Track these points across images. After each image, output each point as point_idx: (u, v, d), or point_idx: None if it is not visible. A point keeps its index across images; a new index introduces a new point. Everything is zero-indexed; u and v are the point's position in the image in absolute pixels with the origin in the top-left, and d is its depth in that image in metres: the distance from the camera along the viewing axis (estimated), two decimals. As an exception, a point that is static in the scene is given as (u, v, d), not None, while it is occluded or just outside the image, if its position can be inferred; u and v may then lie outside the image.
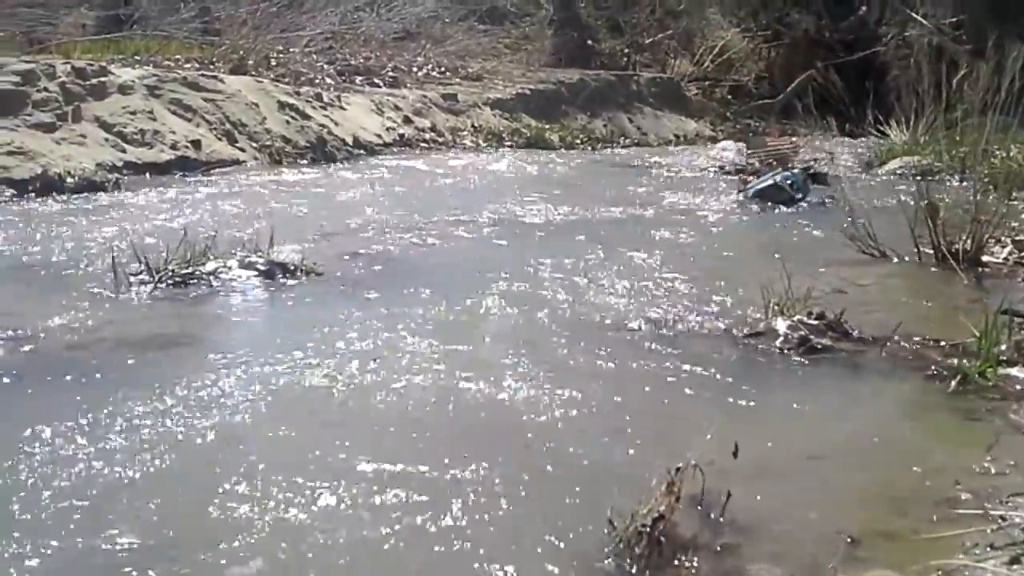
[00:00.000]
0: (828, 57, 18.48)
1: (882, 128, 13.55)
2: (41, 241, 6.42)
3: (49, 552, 2.59)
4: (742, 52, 20.25)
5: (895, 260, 6.43)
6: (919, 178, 10.04)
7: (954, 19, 15.22)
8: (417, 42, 17.68)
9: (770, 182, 8.41)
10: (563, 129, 15.49)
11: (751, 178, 8.87)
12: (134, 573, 2.50)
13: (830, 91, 17.28)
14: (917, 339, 4.52)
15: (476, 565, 2.57)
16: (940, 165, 11.18)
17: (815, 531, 2.77)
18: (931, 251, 6.36)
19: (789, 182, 8.38)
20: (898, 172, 11.42)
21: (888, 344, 4.42)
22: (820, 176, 8.91)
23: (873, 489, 3.12)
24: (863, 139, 14.32)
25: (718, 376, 4.06)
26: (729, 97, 19.81)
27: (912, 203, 6.64)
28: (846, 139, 15.19)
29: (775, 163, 9.09)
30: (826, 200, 8.48)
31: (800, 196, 8.35)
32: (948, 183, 9.98)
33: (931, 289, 5.91)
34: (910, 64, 14.84)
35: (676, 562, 2.57)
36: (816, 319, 4.48)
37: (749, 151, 9.24)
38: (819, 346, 4.32)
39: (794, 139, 9.51)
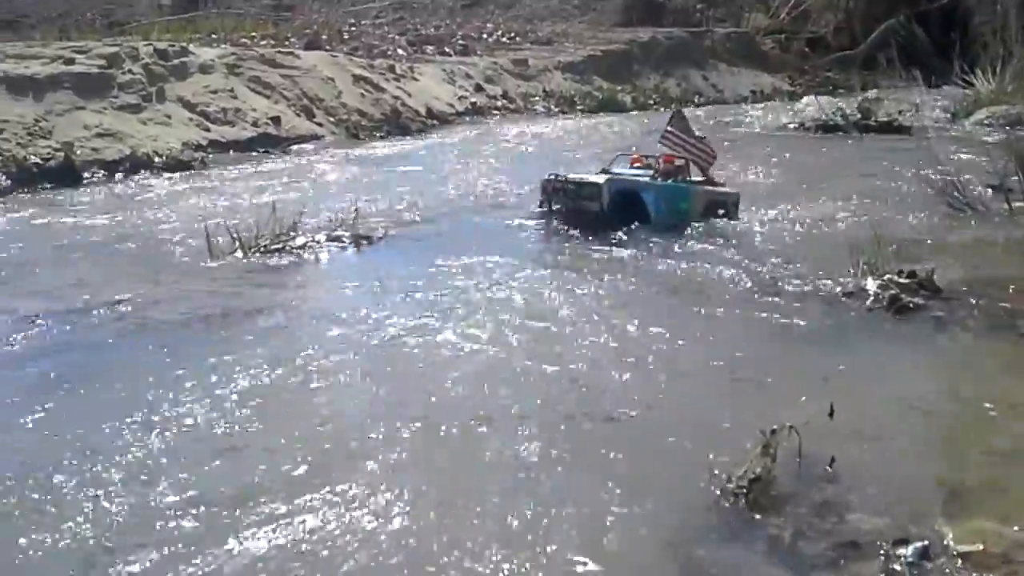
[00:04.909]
0: (910, 5, 17.91)
1: (967, 78, 13.16)
2: (136, 219, 6.63)
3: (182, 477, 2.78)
4: (820, 2, 19.74)
5: (984, 213, 6.28)
6: (1007, 128, 9.78)
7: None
8: (486, 8, 17.66)
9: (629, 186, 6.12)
10: (635, 90, 15.36)
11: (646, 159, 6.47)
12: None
13: (913, 41, 16.76)
14: (1008, 293, 4.45)
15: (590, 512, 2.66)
16: (1029, 114, 10.85)
17: (915, 484, 2.79)
18: (1022, 203, 6.20)
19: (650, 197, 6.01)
20: (985, 122, 11.12)
21: (979, 301, 4.36)
22: (729, 208, 6.24)
23: (970, 443, 3.11)
24: (948, 89, 13.93)
25: (812, 337, 4.07)
26: (807, 50, 19.35)
27: (1000, 154, 6.48)
28: (931, 89, 14.77)
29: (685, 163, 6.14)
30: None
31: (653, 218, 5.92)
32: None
33: (1021, 243, 5.77)
34: (995, 10, 14.32)
35: (780, 516, 2.61)
36: (907, 277, 4.43)
37: (668, 128, 6.23)
38: (911, 305, 4.28)
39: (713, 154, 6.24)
